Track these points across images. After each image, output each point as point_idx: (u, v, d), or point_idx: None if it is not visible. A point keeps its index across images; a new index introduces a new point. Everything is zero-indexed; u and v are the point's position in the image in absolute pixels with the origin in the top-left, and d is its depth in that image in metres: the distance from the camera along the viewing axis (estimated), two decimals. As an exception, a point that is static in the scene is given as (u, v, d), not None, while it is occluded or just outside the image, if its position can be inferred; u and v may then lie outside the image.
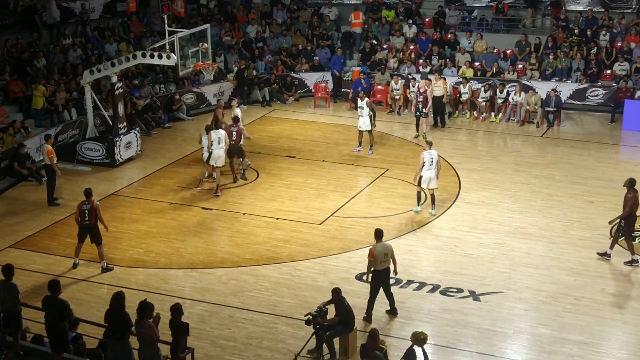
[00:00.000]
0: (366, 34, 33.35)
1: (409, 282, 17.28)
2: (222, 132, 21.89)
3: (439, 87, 27.80)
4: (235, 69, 30.74)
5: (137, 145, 25.08)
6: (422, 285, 17.17)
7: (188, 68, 24.01)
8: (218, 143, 21.68)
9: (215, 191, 21.94)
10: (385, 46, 32.51)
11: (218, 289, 17.14)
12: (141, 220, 20.48)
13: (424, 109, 26.36)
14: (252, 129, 28.08)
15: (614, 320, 15.89)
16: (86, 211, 17.50)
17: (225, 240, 19.43)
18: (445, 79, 28.78)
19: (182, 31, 24.01)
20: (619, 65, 29.82)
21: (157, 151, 25.70)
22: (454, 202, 21.53)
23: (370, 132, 25.05)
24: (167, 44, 23.36)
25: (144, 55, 23.80)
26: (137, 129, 25.47)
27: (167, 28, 23.83)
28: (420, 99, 26.37)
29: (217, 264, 18.25)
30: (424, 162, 20.17)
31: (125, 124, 24.75)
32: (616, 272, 17.74)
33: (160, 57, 23.38)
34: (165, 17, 24.52)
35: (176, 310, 12.83)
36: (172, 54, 23.01)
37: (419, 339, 12.85)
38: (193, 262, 18.29)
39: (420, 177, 20.37)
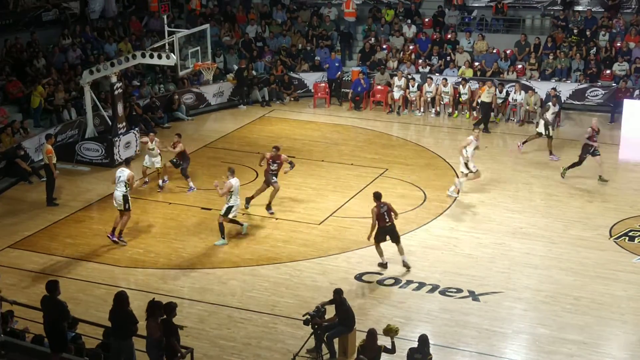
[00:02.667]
0: (366, 33, 33.38)
1: (408, 282, 17.28)
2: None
3: (490, 94, 27.72)
4: (235, 67, 30.79)
5: (136, 145, 25.06)
6: (421, 285, 17.17)
7: (187, 68, 24.02)
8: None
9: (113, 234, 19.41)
10: (384, 46, 32.53)
11: (217, 289, 17.13)
12: (140, 220, 20.45)
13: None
14: (252, 129, 28.14)
15: (614, 321, 15.88)
16: (385, 213, 17.61)
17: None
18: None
19: (181, 31, 24.01)
20: (618, 65, 29.83)
21: (156, 151, 25.68)
22: (453, 202, 21.52)
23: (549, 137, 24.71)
24: (166, 44, 23.36)
25: (143, 55, 23.80)
26: (137, 129, 25.47)
27: (166, 28, 23.82)
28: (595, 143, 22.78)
29: (216, 264, 18.25)
30: None
31: (124, 123, 24.75)
32: (615, 272, 17.73)
33: (159, 57, 23.38)
34: (165, 17, 24.48)
35: (168, 308, 12.79)
36: (172, 54, 23.01)
37: (392, 330, 13.49)
38: (192, 262, 18.28)
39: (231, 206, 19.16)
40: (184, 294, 16.85)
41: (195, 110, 29.94)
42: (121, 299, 12.72)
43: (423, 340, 13.16)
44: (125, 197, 18.94)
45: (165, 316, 12.73)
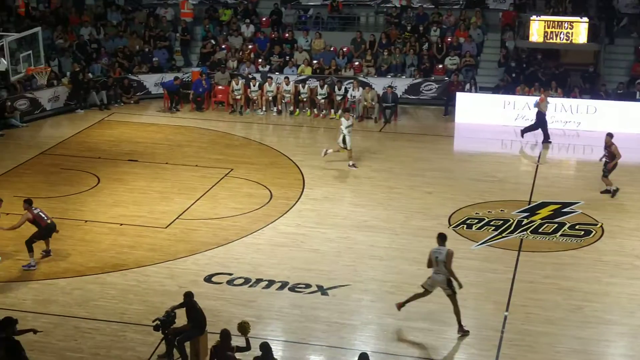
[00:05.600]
0: (205, 33, 33.25)
1: (258, 280, 17.36)
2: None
3: (547, 105, 26.55)
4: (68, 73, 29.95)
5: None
6: (271, 283, 17.29)
7: (20, 73, 23.16)
8: None
9: None
10: (223, 46, 32.48)
11: (62, 299, 16.63)
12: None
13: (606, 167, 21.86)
14: (90, 134, 27.45)
15: (456, 306, 16.52)
16: None
17: (67, 249, 18.85)
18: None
19: (11, 35, 23.12)
20: (450, 59, 31.01)
21: (-10, 160, 24.70)
22: (298, 199, 21.77)
23: None
24: (-5, 49, 22.44)
25: (-29, 61, 22.75)
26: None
27: (-5, 32, 22.91)
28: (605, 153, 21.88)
29: (59, 274, 17.70)
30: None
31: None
32: (455, 259, 18.11)
33: (-11, 62, 22.42)
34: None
35: (5, 324, 12.36)
36: (2, 59, 22.12)
37: (245, 328, 13.49)
38: (34, 274, 17.66)
39: None
40: (27, 307, 16.25)
41: (30, 116, 28.86)
42: None
43: (266, 347, 13.16)
44: (449, 282, 15.42)
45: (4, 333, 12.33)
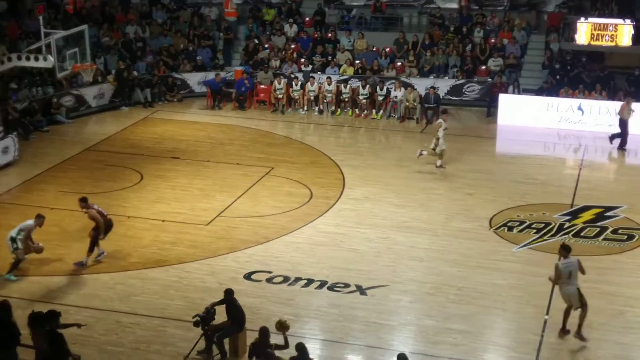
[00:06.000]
0: (249, 33, 33.44)
1: (297, 279, 17.43)
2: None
3: (630, 112, 25.98)
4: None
5: (15, 150, 24.34)
6: (310, 281, 17.35)
7: (66, 70, 23.49)
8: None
9: None
10: (266, 45, 32.64)
11: (104, 294, 16.85)
12: (21, 227, 19.84)
13: None
14: (134, 131, 27.74)
15: (495, 309, 16.42)
16: None
17: (110, 244, 19.03)
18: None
19: (58, 32, 23.46)
20: (493, 60, 30.83)
21: (36, 156, 25.04)
22: (338, 198, 21.80)
23: None
24: (43, 46, 22.78)
25: (19, 58, 23.12)
26: (14, 133, 24.73)
27: (42, 29, 23.22)
28: None
29: (102, 268, 17.93)
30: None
31: (1, 128, 23.99)
32: (496, 262, 18.33)
33: (36, 59, 22.77)
34: (41, 18, 23.85)
35: (48, 317, 12.51)
36: (49, 56, 22.45)
37: (284, 326, 13.52)
38: (78, 268, 17.90)
39: None
40: (70, 301, 16.49)
41: (75, 112, 29.25)
42: (3, 309, 12.41)
43: (301, 348, 13.18)
44: (580, 292, 14.93)
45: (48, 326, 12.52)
